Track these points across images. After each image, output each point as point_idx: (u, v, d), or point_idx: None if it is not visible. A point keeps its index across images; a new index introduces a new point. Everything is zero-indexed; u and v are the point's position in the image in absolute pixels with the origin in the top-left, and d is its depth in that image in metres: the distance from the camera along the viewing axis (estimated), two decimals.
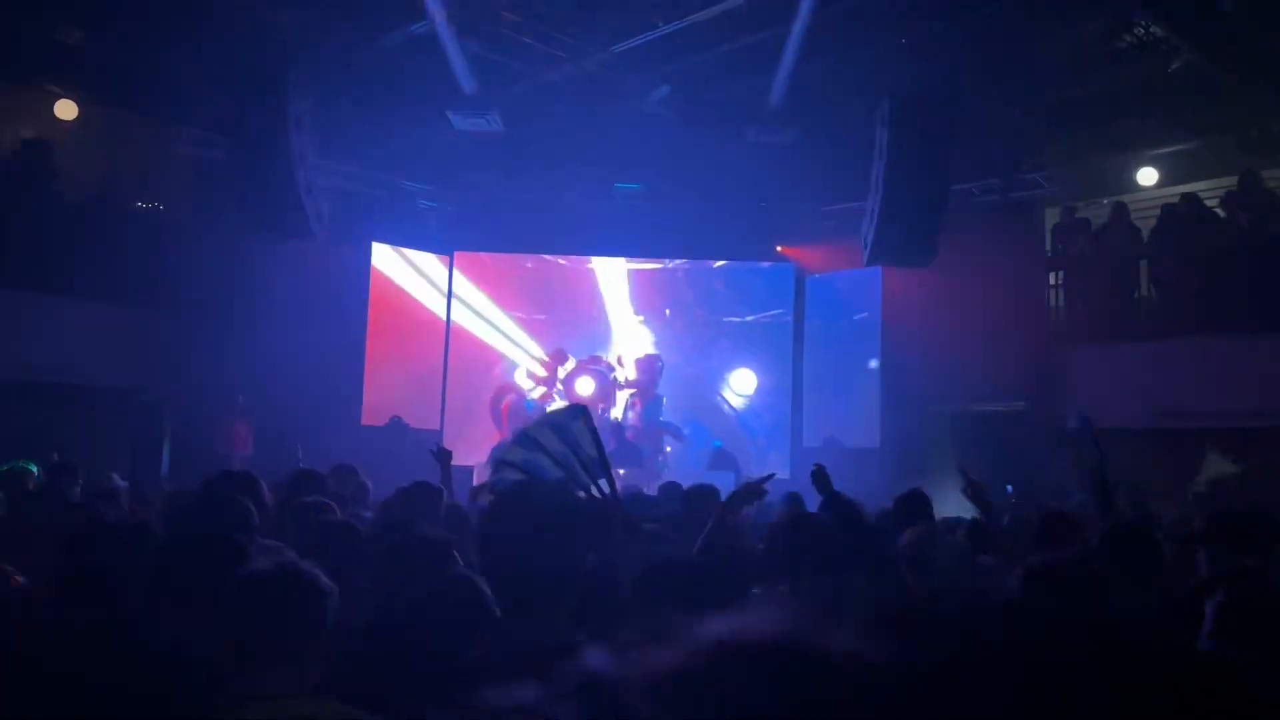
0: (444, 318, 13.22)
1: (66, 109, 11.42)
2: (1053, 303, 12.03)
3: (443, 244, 13.26)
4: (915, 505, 4.39)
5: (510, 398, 13.02)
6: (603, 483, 2.39)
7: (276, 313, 10.89)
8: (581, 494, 2.39)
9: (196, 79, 9.94)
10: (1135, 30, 10.50)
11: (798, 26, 9.34)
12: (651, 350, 13.12)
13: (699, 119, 11.80)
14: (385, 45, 10.56)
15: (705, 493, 4.85)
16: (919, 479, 10.03)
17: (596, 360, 13.23)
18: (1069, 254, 11.83)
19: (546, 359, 13.13)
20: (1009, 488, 9.72)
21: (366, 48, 10.63)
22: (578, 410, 2.49)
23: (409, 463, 10.60)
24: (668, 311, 13.32)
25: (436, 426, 12.58)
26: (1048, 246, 12.17)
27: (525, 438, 2.47)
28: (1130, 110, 10.84)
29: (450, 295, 13.22)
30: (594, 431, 2.43)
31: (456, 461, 6.26)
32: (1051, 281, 12.03)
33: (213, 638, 2.44)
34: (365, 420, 12.21)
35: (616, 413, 12.81)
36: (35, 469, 6.23)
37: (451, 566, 2.70)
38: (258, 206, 9.11)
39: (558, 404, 12.81)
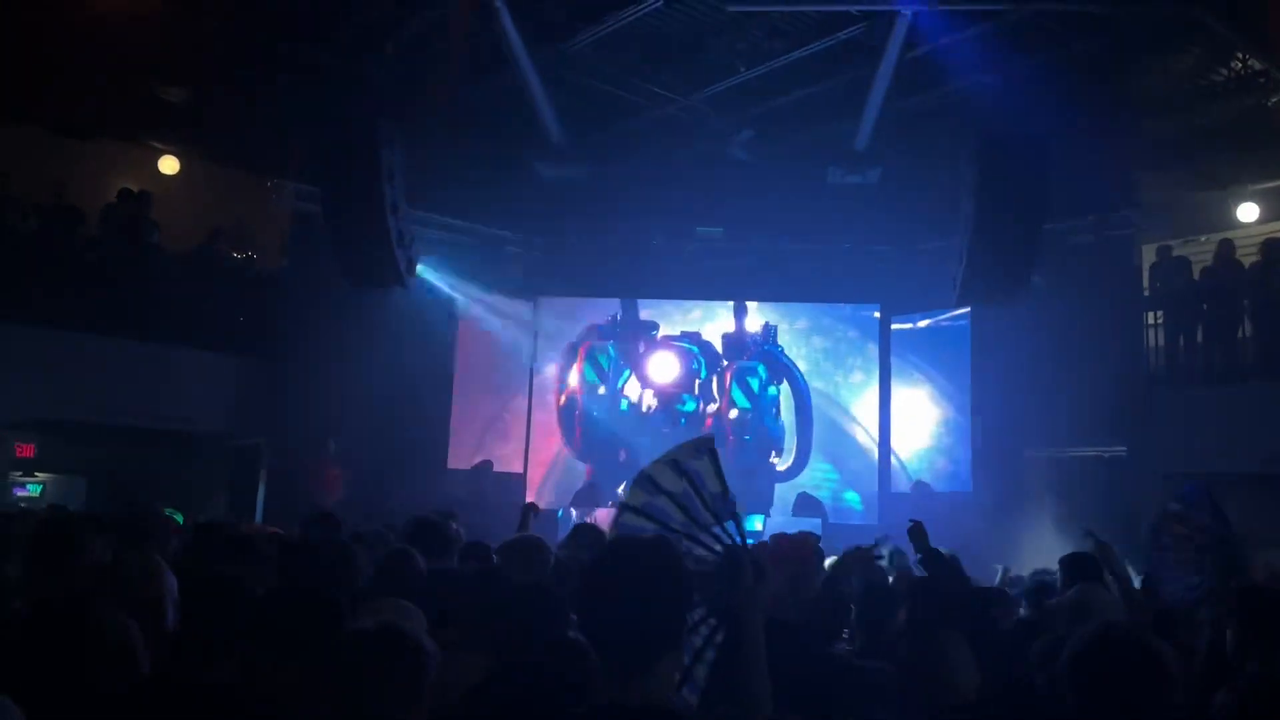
0: (528, 362, 13.33)
1: (170, 164, 11.95)
2: (1151, 343, 11.64)
3: (527, 289, 13.42)
4: (1083, 567, 4.18)
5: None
6: (730, 525, 2.26)
7: (366, 359, 11.13)
8: (703, 541, 2.27)
9: (294, 134, 10.32)
10: (1232, 64, 10.23)
11: (884, 68, 9.30)
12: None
13: (781, 161, 11.81)
14: (475, 96, 10.84)
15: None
16: (1014, 526, 9.82)
17: (688, 336, 13.07)
18: (1167, 293, 11.46)
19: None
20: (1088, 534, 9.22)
21: (456, 100, 10.91)
22: (703, 445, 2.32)
23: (493, 506, 10.70)
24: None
25: (520, 470, 12.65)
26: (1144, 286, 11.80)
27: (644, 479, 2.35)
28: (1229, 145, 10.52)
29: (535, 339, 13.34)
30: (718, 467, 2.29)
31: (544, 504, 6.41)
32: (1149, 321, 11.65)
33: (314, 696, 2.44)
34: (451, 464, 12.34)
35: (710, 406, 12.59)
36: (180, 518, 6.43)
37: (565, 624, 2.68)
38: (351, 256, 9.35)
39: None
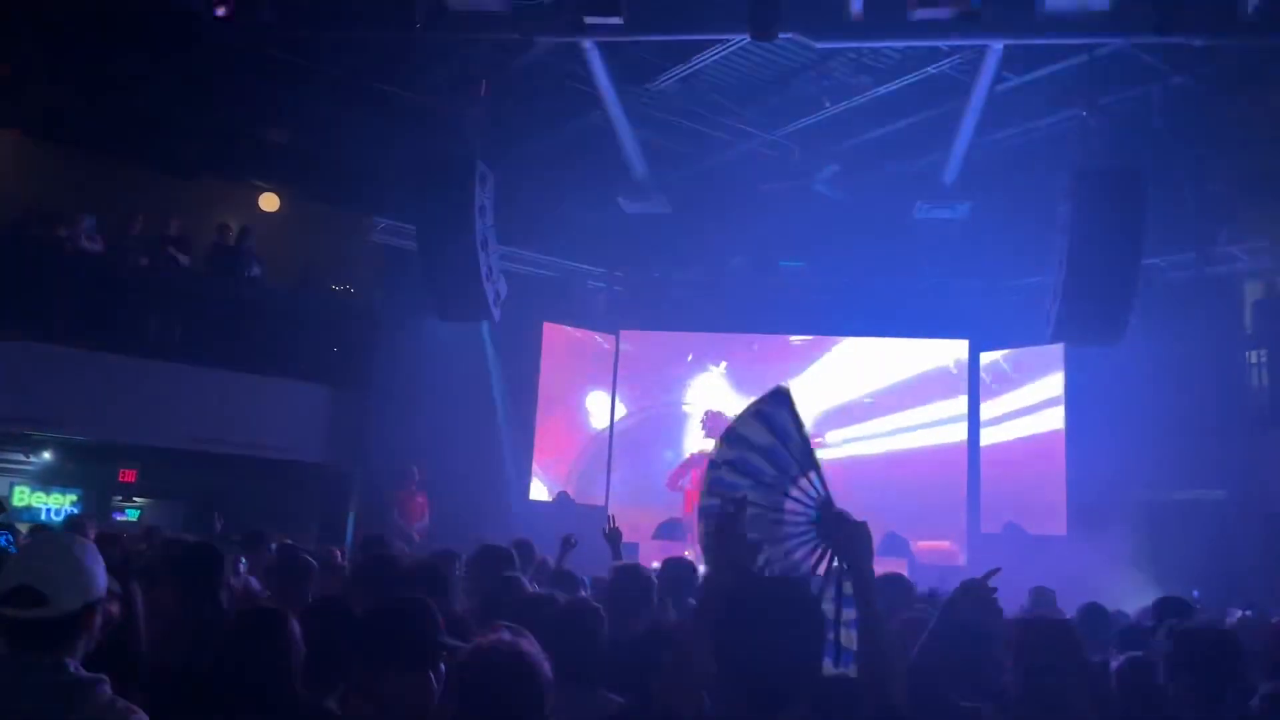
0: (609, 395, 13.42)
1: (270, 201, 12.40)
2: (1254, 383, 11.20)
3: (609, 323, 13.54)
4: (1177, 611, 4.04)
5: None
6: (814, 475, 2.28)
7: (455, 390, 11.34)
8: (794, 496, 2.30)
9: (390, 173, 10.64)
10: None
11: (973, 102, 9.21)
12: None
13: (866, 195, 11.74)
14: (562, 135, 11.05)
15: (895, 583, 4.66)
16: (1111, 571, 9.48)
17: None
18: (1272, 331, 11.03)
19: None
20: (1195, 593, 8.80)
21: (545, 138, 11.14)
22: (782, 396, 2.34)
23: (576, 537, 10.73)
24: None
25: (601, 503, 12.69)
26: (1248, 323, 11.38)
27: (733, 434, 2.38)
28: None
29: (616, 373, 13.43)
30: (798, 417, 2.32)
31: (624, 538, 6.32)
32: (1252, 360, 11.22)
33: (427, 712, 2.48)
34: (533, 495, 12.45)
35: None
36: None
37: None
38: (442, 290, 9.56)
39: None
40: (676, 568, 4.81)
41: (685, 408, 13.27)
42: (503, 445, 12.15)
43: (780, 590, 2.00)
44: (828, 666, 2.18)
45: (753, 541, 2.29)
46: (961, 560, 11.50)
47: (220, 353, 10.95)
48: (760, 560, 2.31)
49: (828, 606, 2.23)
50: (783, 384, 2.39)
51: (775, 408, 2.34)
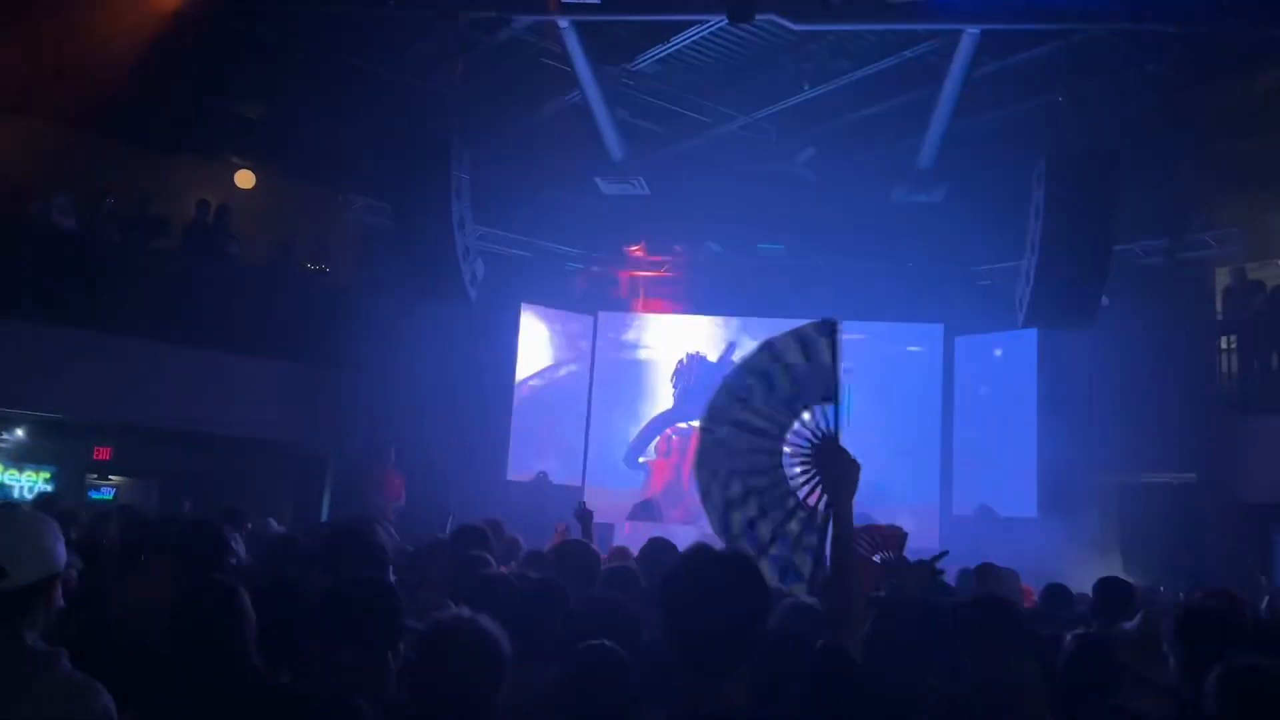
0: (587, 377, 13.45)
1: (245, 178, 12.30)
2: (1224, 369, 11.34)
3: (587, 305, 13.55)
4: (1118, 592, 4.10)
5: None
6: (830, 409, 2.36)
7: (431, 370, 11.34)
8: (804, 420, 2.37)
9: (366, 151, 10.58)
10: None
11: (950, 86, 9.24)
12: None
13: (845, 179, 11.78)
14: (539, 116, 11.02)
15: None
16: (1080, 553, 9.62)
17: None
18: (1242, 318, 11.16)
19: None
20: (1160, 588, 8.79)
21: (522, 118, 11.11)
22: (827, 326, 2.41)
23: (551, 518, 10.78)
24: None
25: (579, 482, 12.74)
26: (1218, 309, 11.51)
27: (767, 344, 2.46)
28: None
29: (594, 354, 13.46)
30: (835, 350, 2.38)
31: (599, 518, 6.38)
32: (1223, 346, 11.35)
33: (384, 690, 2.51)
34: (511, 475, 12.47)
35: None
36: None
37: (638, 634, 2.74)
38: (418, 270, 9.53)
39: None
40: (655, 548, 4.86)
41: (661, 387, 13.32)
42: (480, 425, 12.16)
43: (725, 563, 2.03)
44: (773, 579, 2.27)
45: (748, 447, 2.38)
46: (934, 544, 11.62)
47: (195, 331, 10.89)
48: (755, 465, 2.40)
49: (793, 526, 2.31)
50: (831, 318, 2.44)
51: (820, 334, 2.40)
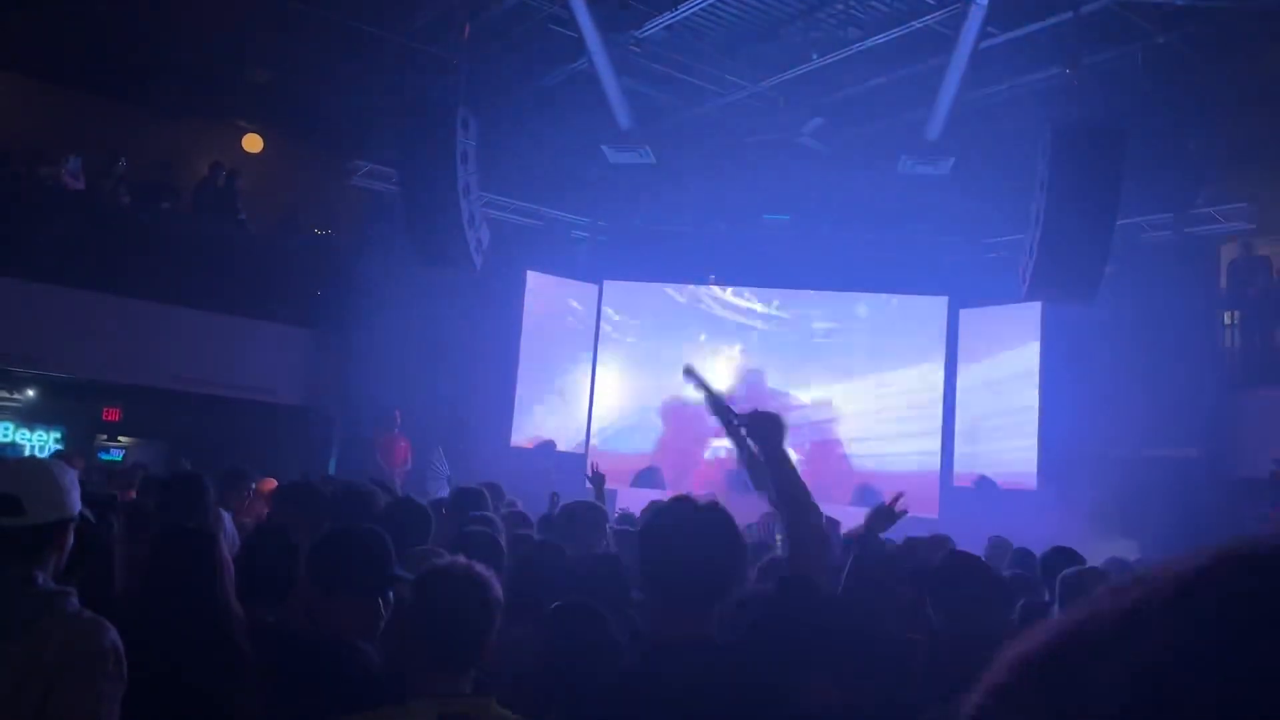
0: (592, 344, 13.52)
1: (253, 142, 12.34)
2: (1227, 344, 11.34)
3: (593, 273, 13.59)
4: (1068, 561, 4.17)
5: None
6: (727, 415, 2.61)
7: (437, 336, 11.41)
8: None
9: (372, 116, 10.60)
10: None
11: (958, 57, 9.21)
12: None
13: (852, 150, 11.76)
14: (546, 83, 11.00)
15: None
16: (1079, 526, 9.68)
17: None
18: (1246, 293, 11.15)
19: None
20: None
21: (529, 85, 11.09)
22: (685, 370, 2.77)
23: (555, 483, 10.88)
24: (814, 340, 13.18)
25: (583, 450, 12.84)
26: (1223, 285, 11.50)
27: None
28: None
29: (599, 322, 13.52)
30: (701, 381, 2.72)
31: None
32: (1226, 321, 11.35)
33: (379, 632, 2.61)
34: (515, 442, 12.58)
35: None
36: None
37: (623, 591, 2.83)
38: (423, 236, 9.57)
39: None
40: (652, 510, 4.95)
41: (669, 353, 13.37)
42: (484, 391, 12.25)
43: (701, 511, 2.13)
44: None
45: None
46: (934, 513, 11.70)
47: (203, 294, 10.99)
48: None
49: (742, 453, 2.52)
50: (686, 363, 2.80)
51: (688, 380, 2.74)
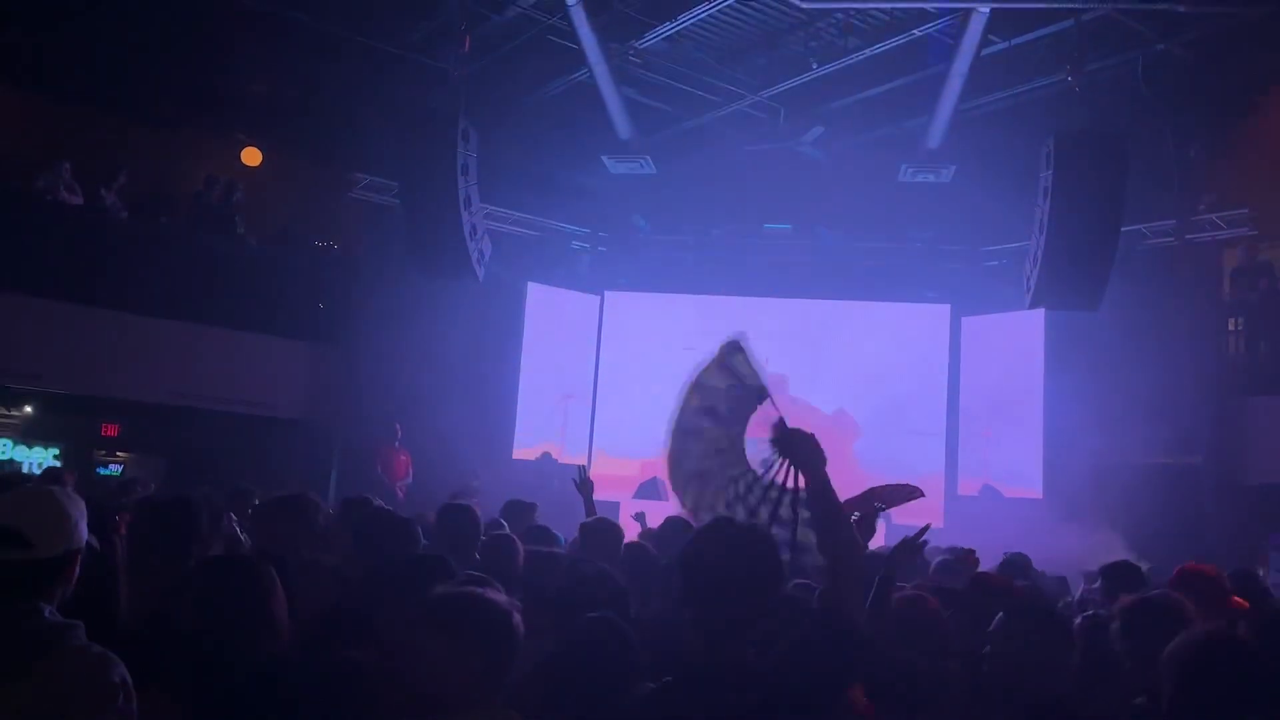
0: (593, 355, 13.47)
1: (252, 155, 12.26)
2: (1231, 350, 11.31)
3: (593, 284, 13.55)
4: (1126, 578, 4.11)
5: None
6: (768, 404, 2.54)
7: (438, 348, 11.36)
8: (752, 421, 2.55)
9: (372, 129, 10.56)
10: None
11: (958, 65, 9.20)
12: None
13: (852, 158, 11.74)
14: (546, 94, 10.98)
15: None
16: (1084, 534, 9.64)
17: None
18: (1250, 299, 11.12)
19: None
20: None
21: (529, 96, 11.07)
22: (732, 345, 2.62)
23: (557, 496, 10.83)
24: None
25: (584, 462, 12.77)
26: (1226, 291, 11.47)
27: (695, 384, 2.65)
28: None
29: (600, 334, 13.47)
30: (749, 359, 2.59)
31: (605, 496, 6.36)
32: (1230, 328, 11.32)
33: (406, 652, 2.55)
34: (517, 454, 12.51)
35: None
36: None
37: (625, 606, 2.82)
38: (424, 248, 9.53)
39: None
40: (673, 527, 4.87)
41: (672, 364, 13.31)
42: (486, 404, 12.19)
43: (741, 534, 2.18)
44: (783, 556, 2.41)
45: (714, 467, 2.56)
46: (939, 522, 11.64)
47: (202, 308, 10.92)
48: (728, 477, 2.57)
49: (785, 511, 2.48)
50: (735, 335, 2.63)
51: (731, 354, 2.61)
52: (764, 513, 2.52)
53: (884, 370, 12.74)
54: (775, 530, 2.48)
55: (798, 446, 2.44)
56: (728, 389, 2.59)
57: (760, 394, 2.55)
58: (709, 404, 2.61)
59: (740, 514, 2.54)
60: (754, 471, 2.56)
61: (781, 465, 2.49)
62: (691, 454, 2.64)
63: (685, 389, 2.65)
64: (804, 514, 2.46)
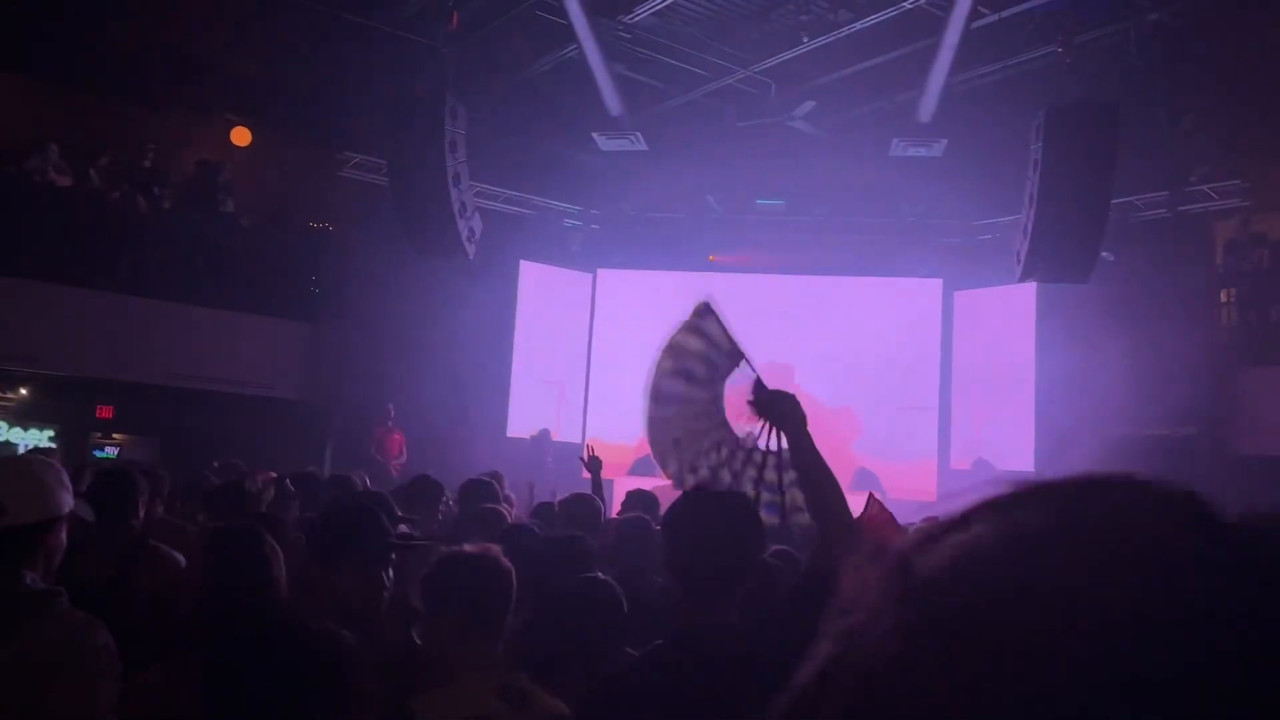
0: (587, 333, 13.47)
1: (242, 135, 12.22)
2: (1224, 322, 11.34)
3: (586, 262, 13.54)
4: None
5: None
6: (743, 365, 2.53)
7: (430, 327, 11.36)
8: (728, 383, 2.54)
9: (361, 107, 10.52)
10: None
11: (949, 39, 9.16)
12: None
13: (844, 133, 11.70)
14: (536, 71, 10.93)
15: None
16: None
17: None
18: (1243, 270, 11.14)
19: None
20: None
21: (518, 73, 11.02)
22: (704, 308, 2.60)
23: (551, 474, 10.87)
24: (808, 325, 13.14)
25: (578, 440, 12.81)
26: (1219, 262, 11.48)
27: (670, 346, 2.64)
28: None
29: (594, 311, 13.47)
30: (721, 322, 2.57)
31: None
32: (1223, 299, 11.34)
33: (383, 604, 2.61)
34: (511, 432, 12.54)
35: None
36: None
37: (592, 568, 2.86)
38: (415, 226, 9.53)
39: None
40: (640, 498, 4.92)
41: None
42: (479, 382, 12.20)
43: (723, 500, 2.24)
44: (773, 519, 2.45)
45: (692, 430, 2.57)
46: (932, 497, 11.70)
47: (196, 289, 10.92)
48: (710, 442, 2.56)
49: (770, 474, 2.48)
50: (705, 299, 2.61)
51: (702, 318, 2.58)
52: (749, 477, 2.53)
53: (877, 345, 12.75)
54: (763, 493, 2.50)
55: (776, 406, 2.44)
56: (702, 352, 2.58)
57: (734, 356, 2.55)
58: (684, 367, 2.60)
59: (725, 479, 2.54)
60: (735, 437, 2.56)
61: (763, 428, 2.49)
62: (670, 420, 2.64)
63: (658, 352, 2.65)
64: (790, 475, 2.47)
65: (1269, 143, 10.42)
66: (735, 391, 2.55)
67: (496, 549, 2.38)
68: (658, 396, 2.64)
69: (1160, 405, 10.71)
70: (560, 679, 2.41)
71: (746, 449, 2.54)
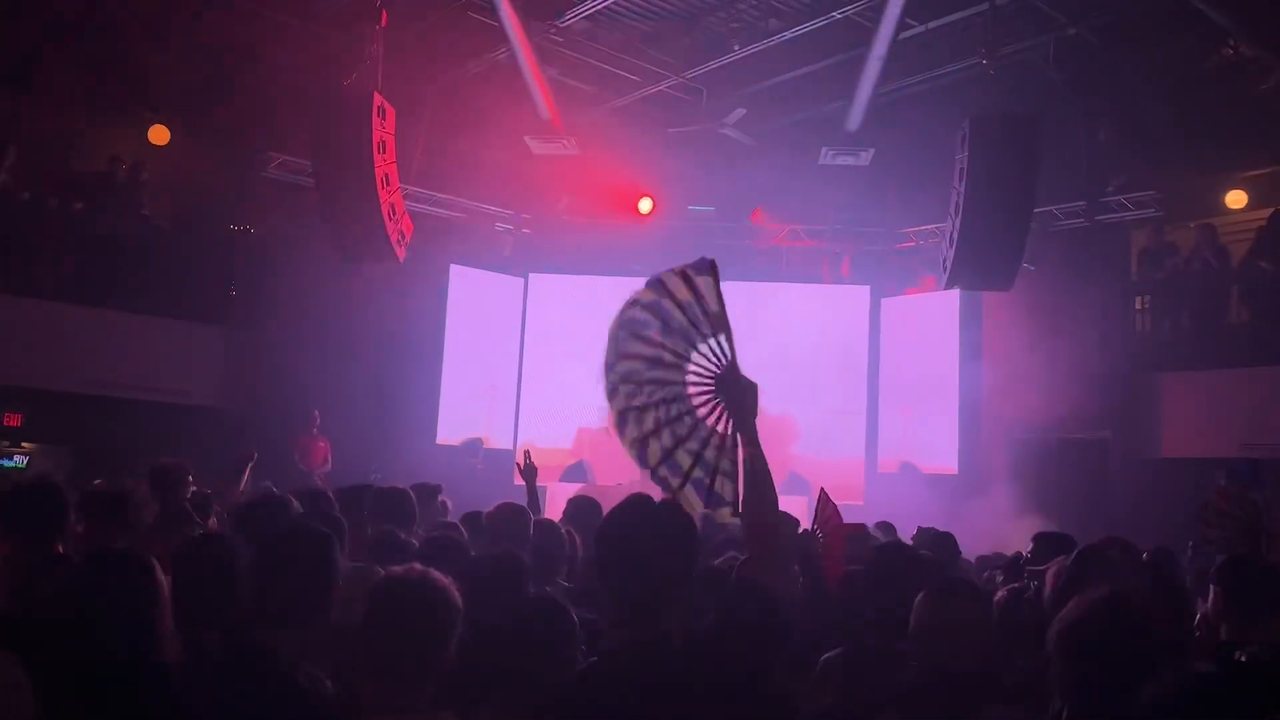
0: (518, 339, 13.35)
1: (159, 134, 11.82)
2: (1139, 328, 11.69)
3: (518, 266, 13.42)
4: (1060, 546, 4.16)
5: None
6: (723, 339, 2.43)
7: (358, 331, 11.14)
8: (701, 351, 2.44)
9: (285, 106, 10.27)
10: (1225, 51, 10.24)
11: (877, 49, 9.30)
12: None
13: (774, 141, 11.81)
14: (466, 72, 10.81)
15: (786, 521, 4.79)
16: (999, 508, 9.89)
17: None
18: (1156, 278, 11.50)
19: None
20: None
21: (448, 74, 10.89)
22: (705, 264, 2.47)
23: (484, 481, 10.74)
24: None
25: (510, 446, 12.68)
26: (1133, 270, 11.84)
27: (655, 281, 2.52)
28: (1219, 132, 10.51)
29: (525, 317, 13.35)
30: (718, 286, 2.44)
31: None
32: (1137, 306, 11.70)
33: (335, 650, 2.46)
34: (441, 439, 12.35)
35: None
36: None
37: (527, 585, 2.77)
38: (341, 230, 9.30)
39: None
40: (581, 505, 4.86)
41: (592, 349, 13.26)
42: (409, 388, 11.99)
43: (655, 511, 2.12)
44: (697, 502, 2.37)
45: (652, 379, 2.45)
46: (859, 500, 11.84)
47: (110, 292, 10.54)
48: (665, 396, 2.45)
49: (710, 454, 2.39)
50: (708, 257, 2.48)
51: (699, 273, 2.45)
52: (688, 449, 2.43)
53: (806, 351, 12.86)
54: (698, 471, 2.42)
55: (733, 391, 2.39)
56: (688, 302, 2.45)
57: (718, 323, 2.43)
58: (665, 312, 2.47)
59: (666, 441, 2.43)
60: (692, 404, 2.45)
61: (716, 407, 2.43)
62: (629, 354, 2.50)
63: (643, 285, 2.52)
64: (725, 464, 2.40)
65: (1180, 154, 10.79)
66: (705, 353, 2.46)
67: (435, 573, 2.22)
68: (626, 322, 2.51)
69: (1078, 410, 11.00)
70: (492, 712, 2.32)
71: (695, 419, 2.44)
